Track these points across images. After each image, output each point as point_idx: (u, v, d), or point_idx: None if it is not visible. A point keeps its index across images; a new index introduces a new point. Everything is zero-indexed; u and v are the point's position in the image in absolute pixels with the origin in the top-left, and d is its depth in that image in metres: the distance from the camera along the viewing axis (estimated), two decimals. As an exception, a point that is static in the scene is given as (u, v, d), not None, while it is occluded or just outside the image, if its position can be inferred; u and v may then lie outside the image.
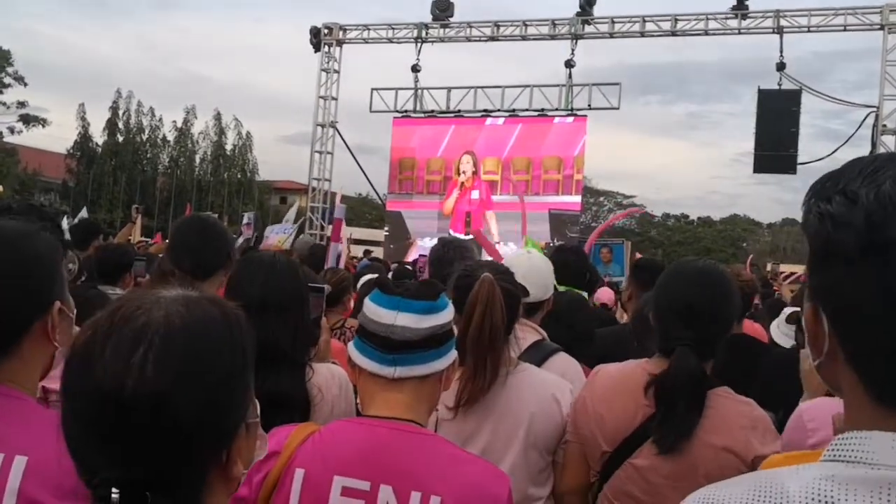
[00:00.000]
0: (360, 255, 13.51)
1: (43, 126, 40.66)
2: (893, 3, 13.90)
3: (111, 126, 45.34)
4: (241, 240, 8.91)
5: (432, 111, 17.07)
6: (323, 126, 17.66)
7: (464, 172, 16.60)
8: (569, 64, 15.72)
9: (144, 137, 46.70)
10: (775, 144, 13.77)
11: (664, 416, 1.98)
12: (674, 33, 15.49)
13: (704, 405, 1.98)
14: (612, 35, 15.83)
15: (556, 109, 15.92)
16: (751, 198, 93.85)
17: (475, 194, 16.44)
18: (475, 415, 2.07)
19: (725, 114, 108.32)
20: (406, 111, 17.15)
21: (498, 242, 14.69)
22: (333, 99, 17.73)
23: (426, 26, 16.71)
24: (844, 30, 14.39)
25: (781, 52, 14.37)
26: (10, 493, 1.19)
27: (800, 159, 14.05)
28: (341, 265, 6.24)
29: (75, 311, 1.44)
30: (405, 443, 1.50)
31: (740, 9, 14.68)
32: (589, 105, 15.71)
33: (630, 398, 2.05)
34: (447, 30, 16.83)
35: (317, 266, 5.37)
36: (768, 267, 15.17)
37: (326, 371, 2.18)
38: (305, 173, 17.95)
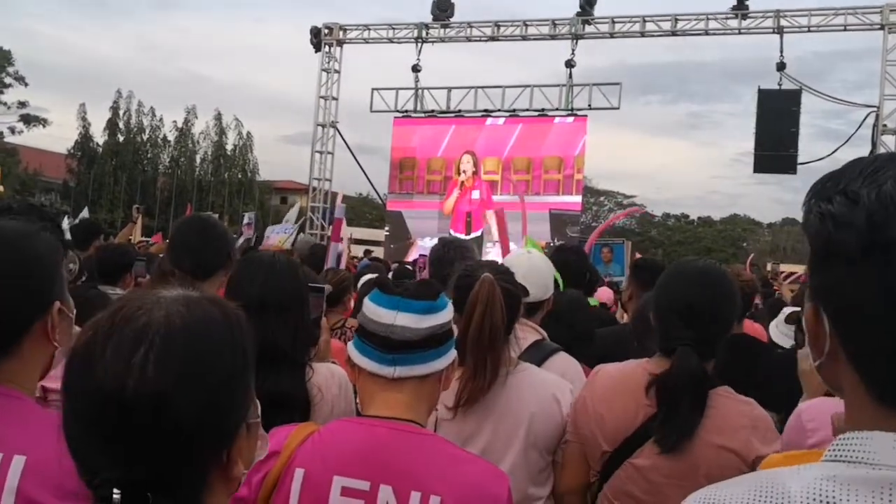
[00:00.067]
0: (361, 254, 13.52)
1: (43, 126, 40.73)
2: (893, 2, 13.89)
3: (112, 126, 45.34)
4: (241, 240, 8.92)
5: (433, 111, 17.08)
6: (323, 126, 17.67)
7: (464, 172, 16.60)
8: (569, 64, 15.72)
9: (145, 137, 46.69)
10: (775, 144, 13.77)
11: (666, 415, 1.98)
12: (674, 33, 15.49)
13: (706, 405, 1.98)
14: (612, 35, 15.84)
15: (557, 109, 15.92)
16: (751, 198, 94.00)
17: (475, 194, 16.44)
18: (475, 415, 2.07)
19: (725, 114, 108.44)
20: (406, 111, 17.15)
21: (497, 241, 14.69)
22: (334, 99, 17.74)
23: (426, 26, 16.71)
24: (844, 30, 14.39)
25: (781, 51, 14.37)
26: (9, 493, 1.19)
27: (800, 159, 14.06)
28: (342, 265, 6.23)
29: (75, 312, 1.44)
30: (405, 443, 1.50)
31: (740, 9, 14.68)
32: (589, 105, 15.71)
33: (631, 398, 2.05)
34: (447, 30, 16.83)
35: (317, 266, 5.37)
36: (768, 267, 15.15)
37: (326, 371, 2.18)
38: (306, 173, 17.97)
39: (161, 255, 3.87)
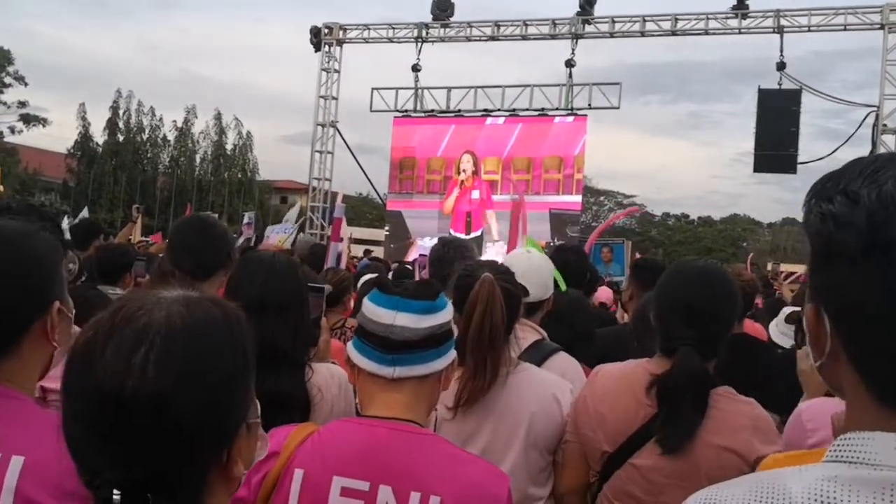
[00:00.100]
0: (361, 254, 13.51)
1: (43, 126, 40.70)
2: (894, 2, 13.89)
3: (111, 126, 45.32)
4: (241, 240, 8.92)
5: (432, 111, 17.07)
6: (323, 126, 17.67)
7: (464, 171, 16.60)
8: (569, 63, 15.72)
9: (145, 137, 46.67)
10: (775, 144, 13.77)
11: (668, 416, 1.97)
12: (674, 33, 15.49)
13: (707, 405, 1.98)
14: (612, 35, 15.83)
15: (557, 109, 15.92)
16: (751, 197, 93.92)
17: (475, 194, 16.44)
18: (475, 415, 2.07)
19: (725, 113, 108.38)
20: (406, 111, 17.15)
21: (497, 241, 14.70)
22: (334, 98, 17.74)
23: (426, 26, 16.71)
24: (845, 29, 14.39)
25: (782, 51, 14.37)
26: (7, 493, 1.19)
27: (800, 159, 14.06)
28: (343, 265, 6.22)
29: (74, 312, 1.44)
30: (404, 443, 1.49)
31: (740, 8, 14.68)
32: (589, 105, 15.71)
33: (632, 398, 2.05)
34: (447, 29, 16.83)
35: (317, 266, 5.36)
36: (769, 266, 15.17)
37: (326, 371, 2.18)
38: (306, 173, 17.97)
39: (161, 255, 3.87)
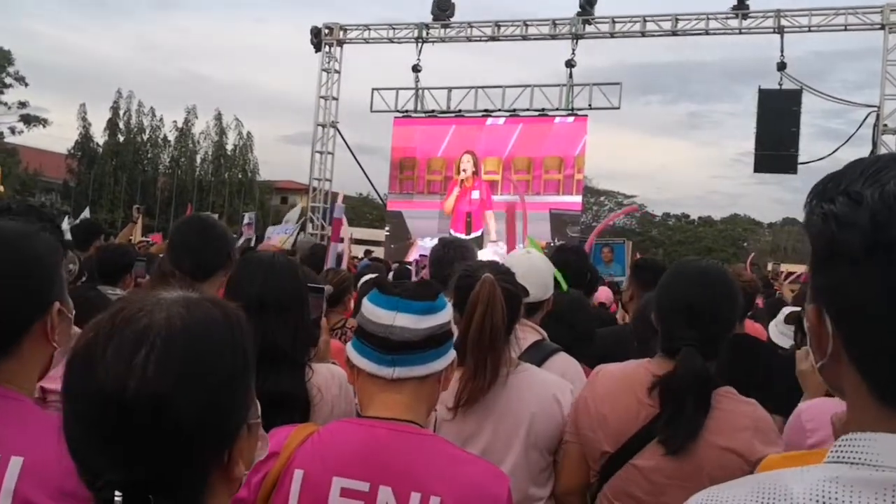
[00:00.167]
0: (361, 255, 13.52)
1: (44, 126, 40.73)
2: (894, 2, 13.89)
3: (112, 126, 45.36)
4: (241, 240, 8.92)
5: (433, 111, 17.08)
6: (324, 126, 17.67)
7: (464, 171, 16.61)
8: (569, 64, 15.73)
9: (145, 137, 46.72)
10: (776, 144, 13.77)
11: (670, 416, 1.97)
12: (674, 33, 15.49)
13: (710, 405, 1.98)
14: (612, 35, 15.84)
15: (557, 109, 15.93)
16: (751, 197, 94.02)
17: (476, 194, 16.44)
18: (475, 415, 2.07)
19: (726, 113, 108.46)
20: (407, 111, 17.15)
21: (495, 241, 14.69)
22: (334, 99, 17.74)
23: (427, 26, 16.71)
24: (845, 29, 14.39)
25: (782, 51, 14.37)
26: (6, 494, 1.19)
27: (800, 159, 14.07)
28: (343, 265, 6.22)
29: (74, 312, 1.44)
30: (404, 443, 1.49)
31: (741, 8, 14.68)
32: (589, 105, 15.72)
33: (633, 398, 2.04)
34: (448, 30, 16.84)
35: (317, 266, 5.36)
36: (769, 267, 15.17)
37: (326, 371, 2.17)
38: (306, 173, 17.97)
39: (161, 256, 3.87)
